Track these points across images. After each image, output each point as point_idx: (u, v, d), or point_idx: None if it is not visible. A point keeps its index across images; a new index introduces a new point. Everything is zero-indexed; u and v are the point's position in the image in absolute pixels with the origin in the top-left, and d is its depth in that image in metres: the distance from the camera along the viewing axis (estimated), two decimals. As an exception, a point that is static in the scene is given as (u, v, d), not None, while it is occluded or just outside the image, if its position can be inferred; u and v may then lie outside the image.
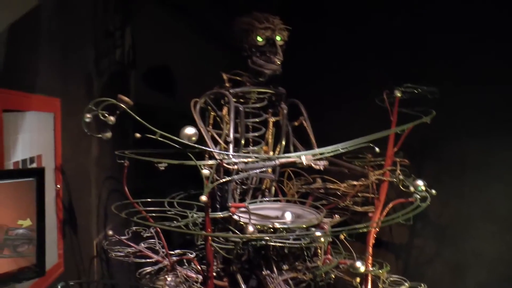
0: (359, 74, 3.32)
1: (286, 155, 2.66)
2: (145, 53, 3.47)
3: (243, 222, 2.29)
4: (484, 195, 2.95)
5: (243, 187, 2.75)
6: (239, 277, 2.53)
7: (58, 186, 2.17)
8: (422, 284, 2.49)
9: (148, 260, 2.57)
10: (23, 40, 1.83)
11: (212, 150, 2.37)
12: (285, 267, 2.53)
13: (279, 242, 2.31)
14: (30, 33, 1.92)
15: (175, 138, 1.96)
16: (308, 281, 2.45)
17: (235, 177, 2.46)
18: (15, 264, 1.64)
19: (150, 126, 1.92)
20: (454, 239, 3.08)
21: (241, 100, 2.74)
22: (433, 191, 2.41)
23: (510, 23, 2.84)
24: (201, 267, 2.39)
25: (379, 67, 3.22)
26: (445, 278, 3.15)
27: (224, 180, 2.35)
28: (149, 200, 2.58)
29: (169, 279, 2.47)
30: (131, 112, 1.93)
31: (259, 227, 2.23)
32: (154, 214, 2.49)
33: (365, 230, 2.34)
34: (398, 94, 2.73)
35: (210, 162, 2.19)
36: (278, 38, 2.64)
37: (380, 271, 2.48)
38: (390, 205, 2.77)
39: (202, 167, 2.02)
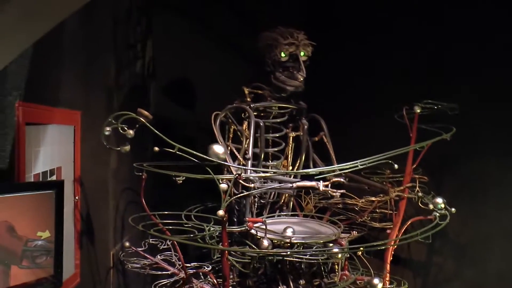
0: (379, 90, 3.29)
1: (305, 170, 2.66)
2: (165, 67, 3.51)
3: (259, 236, 2.28)
4: (506, 214, 2.88)
5: (261, 201, 2.74)
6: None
7: (77, 197, 2.19)
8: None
9: (164, 272, 2.57)
10: (45, 54, 1.86)
11: (230, 164, 2.37)
12: (301, 281, 2.51)
13: (296, 257, 2.30)
14: (53, 48, 1.95)
15: (193, 152, 1.97)
16: (325, 298, 2.42)
17: (253, 191, 2.45)
18: (33, 275, 1.66)
19: (168, 140, 1.93)
20: (474, 259, 3.01)
21: (262, 114, 2.73)
22: (453, 209, 2.38)
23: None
24: (217, 281, 2.38)
25: (400, 83, 3.20)
26: (465, 299, 3.09)
27: (241, 194, 2.34)
28: (166, 212, 2.59)
29: (184, 292, 2.47)
30: (150, 126, 1.94)
31: (275, 241, 2.22)
32: (170, 227, 2.49)
33: (382, 247, 2.31)
34: (418, 110, 2.69)
35: (228, 176, 2.19)
36: (302, 53, 2.60)
37: (397, 289, 2.45)
38: (409, 222, 2.74)
39: (220, 181, 2.02)
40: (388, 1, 3.34)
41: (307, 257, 2.29)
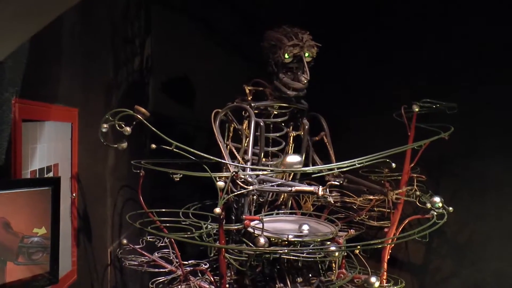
0: (379, 89, 3.29)
1: (302, 168, 2.66)
2: (164, 64, 3.51)
3: (256, 234, 2.28)
4: (505, 214, 2.89)
5: (260, 199, 2.73)
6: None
7: (74, 194, 2.19)
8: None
9: (161, 270, 2.57)
10: (43, 51, 1.86)
11: (227, 162, 2.37)
12: (299, 279, 2.51)
13: (293, 255, 2.30)
14: (50, 44, 1.94)
15: (191, 149, 1.97)
16: (321, 296, 2.42)
17: (250, 188, 2.44)
18: (29, 271, 1.66)
19: (166, 137, 1.93)
20: (472, 258, 3.02)
21: (263, 112, 2.71)
22: (450, 208, 2.38)
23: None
24: (214, 278, 2.38)
25: (399, 82, 3.19)
26: (463, 298, 3.09)
27: (238, 192, 2.34)
28: (163, 210, 2.59)
29: (181, 289, 2.48)
30: (147, 123, 1.94)
31: (272, 239, 2.22)
32: (168, 225, 2.49)
33: (380, 246, 2.31)
34: (416, 109, 2.69)
35: (225, 174, 2.19)
36: (306, 54, 2.55)
37: (395, 287, 2.45)
38: (406, 221, 2.74)
39: (217, 179, 2.02)
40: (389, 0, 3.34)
41: (305, 255, 2.29)
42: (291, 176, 2.79)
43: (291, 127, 2.81)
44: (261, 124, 2.60)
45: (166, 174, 2.21)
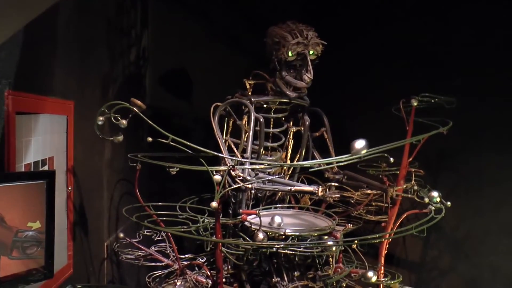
0: (377, 83, 3.27)
1: (300, 163, 2.65)
2: (160, 56, 3.48)
3: (254, 228, 2.27)
4: (502, 209, 2.88)
5: (258, 194, 2.72)
6: (248, 287, 2.51)
7: (70, 188, 2.18)
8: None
9: (158, 264, 2.56)
10: (37, 42, 1.84)
11: (224, 156, 2.35)
12: (296, 273, 2.51)
13: (290, 250, 2.29)
14: (45, 35, 1.92)
15: (187, 143, 1.95)
16: (318, 290, 2.42)
17: (249, 186, 2.42)
18: (24, 266, 1.65)
19: (162, 130, 1.92)
20: (469, 253, 3.02)
21: (264, 106, 2.67)
22: (448, 203, 2.36)
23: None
24: (210, 273, 2.37)
25: (398, 77, 3.17)
26: (460, 292, 3.09)
27: (235, 186, 2.33)
28: (160, 204, 2.57)
29: (178, 283, 2.47)
30: (143, 116, 1.92)
31: (270, 234, 2.21)
32: (165, 218, 2.48)
33: (377, 241, 2.30)
34: (415, 103, 2.67)
35: (222, 168, 2.18)
36: (311, 52, 2.48)
37: (392, 282, 2.44)
38: (404, 215, 2.73)
39: (214, 173, 2.00)
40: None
41: (301, 249, 2.28)
42: (290, 170, 2.78)
43: (291, 122, 2.78)
44: (261, 120, 2.55)
45: (163, 167, 2.19)
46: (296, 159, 2.76)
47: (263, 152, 2.65)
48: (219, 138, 2.51)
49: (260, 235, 2.08)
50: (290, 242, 2.22)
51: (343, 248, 2.45)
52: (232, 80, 2.83)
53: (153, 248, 2.62)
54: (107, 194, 2.74)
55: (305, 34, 2.48)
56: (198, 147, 1.98)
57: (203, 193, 2.88)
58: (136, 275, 3.14)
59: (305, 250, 2.28)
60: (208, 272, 2.41)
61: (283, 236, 2.23)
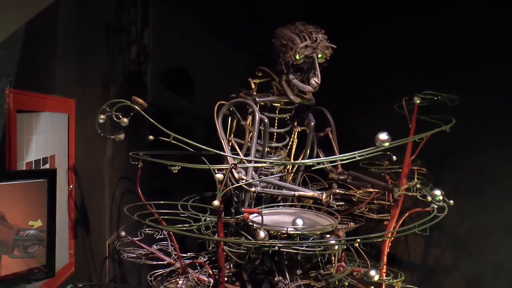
0: (380, 81, 3.25)
1: (303, 161, 2.64)
2: (161, 54, 3.47)
3: (256, 227, 2.26)
4: (505, 207, 2.87)
5: (262, 194, 2.70)
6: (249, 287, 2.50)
7: (71, 186, 2.17)
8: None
9: (160, 262, 2.56)
10: (38, 40, 1.83)
11: (227, 155, 2.34)
12: (298, 271, 2.50)
13: (292, 249, 2.28)
14: (46, 33, 1.92)
15: (189, 141, 1.94)
16: (321, 289, 2.41)
17: (253, 190, 2.41)
18: (25, 264, 1.64)
19: (163, 128, 1.91)
20: (472, 251, 3.01)
21: (268, 106, 2.63)
22: (451, 201, 2.36)
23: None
24: (212, 271, 2.37)
25: (402, 75, 3.15)
26: (463, 291, 3.08)
27: (237, 185, 2.32)
28: (162, 202, 2.57)
29: (180, 282, 2.46)
30: (144, 114, 1.92)
31: (272, 232, 2.20)
32: (166, 217, 2.47)
33: (380, 239, 2.30)
34: (417, 101, 2.65)
35: (224, 166, 2.17)
36: (319, 55, 2.41)
37: (394, 281, 2.43)
38: (407, 214, 2.72)
39: (216, 171, 1.99)
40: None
41: (304, 248, 2.28)
42: (295, 168, 2.76)
43: (295, 122, 2.75)
44: (265, 120, 2.52)
45: (165, 166, 2.18)
46: (300, 158, 2.74)
47: (267, 149, 2.63)
48: (223, 140, 2.49)
49: (262, 234, 2.07)
50: (292, 240, 2.21)
51: (345, 246, 2.44)
52: (233, 78, 2.82)
53: (154, 246, 2.61)
54: (109, 193, 2.74)
55: (314, 37, 2.41)
56: (200, 145, 1.97)
57: (205, 192, 2.87)
58: (138, 273, 3.14)
59: (307, 248, 2.27)
60: (210, 271, 2.40)
61: (286, 235, 2.22)
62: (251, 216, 2.28)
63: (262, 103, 2.59)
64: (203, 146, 1.98)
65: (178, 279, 2.47)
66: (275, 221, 2.36)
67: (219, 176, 1.96)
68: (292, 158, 2.76)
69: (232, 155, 2.36)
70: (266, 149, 2.55)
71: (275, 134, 2.71)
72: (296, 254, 2.36)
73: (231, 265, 2.62)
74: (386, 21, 3.27)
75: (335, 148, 2.72)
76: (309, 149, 2.71)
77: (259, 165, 2.49)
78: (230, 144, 2.60)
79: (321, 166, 2.54)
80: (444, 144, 2.89)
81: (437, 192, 2.35)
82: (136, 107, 1.92)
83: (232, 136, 2.65)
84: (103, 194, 2.67)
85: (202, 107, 2.72)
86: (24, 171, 1.73)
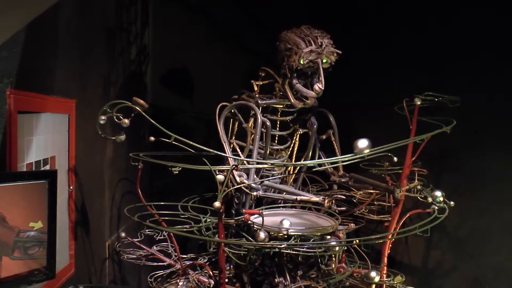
0: (380, 82, 3.25)
1: (304, 162, 2.63)
2: (162, 55, 3.47)
3: (256, 228, 2.25)
4: (505, 208, 2.88)
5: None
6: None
7: (71, 187, 2.16)
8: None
9: (160, 263, 2.55)
10: (39, 41, 1.82)
11: (227, 156, 2.33)
12: (299, 272, 2.49)
13: (293, 250, 2.27)
14: (46, 34, 1.91)
15: (190, 142, 1.94)
16: (321, 290, 2.41)
17: (254, 193, 2.40)
18: (26, 266, 1.64)
19: (164, 129, 1.90)
20: (472, 253, 3.01)
21: (270, 108, 2.62)
22: (452, 203, 2.35)
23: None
24: (213, 273, 2.36)
25: (402, 76, 3.15)
26: (463, 292, 3.08)
27: (238, 186, 2.31)
28: (162, 203, 2.56)
29: (180, 283, 2.45)
30: (145, 115, 1.91)
31: (272, 233, 2.20)
32: (167, 218, 2.47)
33: (380, 241, 2.29)
34: (418, 102, 2.65)
35: (225, 167, 2.16)
36: (324, 61, 2.37)
37: (395, 282, 2.43)
38: (407, 215, 2.72)
39: (217, 173, 1.98)
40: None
41: (304, 249, 2.27)
42: (296, 169, 2.76)
43: (298, 125, 2.74)
44: (267, 123, 2.50)
45: (165, 167, 2.18)
46: (302, 160, 2.73)
47: (269, 151, 2.63)
48: (225, 142, 2.48)
49: (262, 235, 2.07)
50: (293, 242, 2.21)
51: (346, 248, 2.44)
52: (234, 78, 2.82)
53: (155, 247, 2.61)
54: (109, 194, 2.73)
55: (320, 42, 2.37)
56: (201, 146, 1.97)
57: (205, 192, 2.87)
58: (138, 275, 3.13)
59: (308, 250, 2.26)
60: (211, 272, 2.39)
61: (286, 236, 2.22)
62: (251, 217, 2.28)
63: (265, 105, 2.58)
64: (204, 147, 1.97)
65: (178, 281, 2.47)
66: (275, 222, 2.35)
67: (220, 177, 1.96)
68: (293, 160, 2.76)
69: (232, 156, 2.35)
70: (268, 152, 2.54)
71: (277, 136, 2.70)
72: (296, 255, 2.35)
73: (231, 266, 2.61)
74: (389, 24, 3.27)
75: (337, 150, 2.71)
76: (311, 151, 2.71)
77: (260, 166, 2.48)
78: (232, 146, 2.59)
79: (323, 167, 2.55)
80: (445, 146, 2.89)
81: (438, 193, 2.35)
82: (137, 108, 1.91)
83: (233, 138, 2.64)
84: (103, 195, 2.67)
85: (202, 108, 2.72)
86: (25, 173, 1.72)
